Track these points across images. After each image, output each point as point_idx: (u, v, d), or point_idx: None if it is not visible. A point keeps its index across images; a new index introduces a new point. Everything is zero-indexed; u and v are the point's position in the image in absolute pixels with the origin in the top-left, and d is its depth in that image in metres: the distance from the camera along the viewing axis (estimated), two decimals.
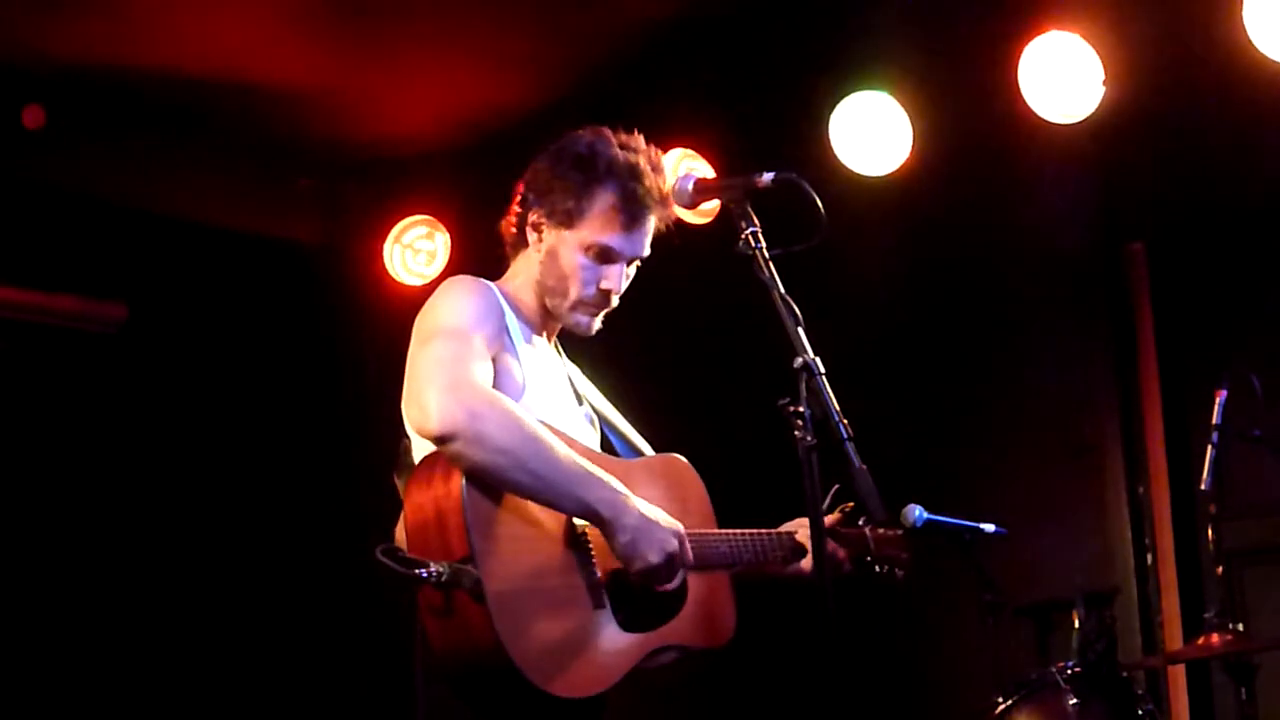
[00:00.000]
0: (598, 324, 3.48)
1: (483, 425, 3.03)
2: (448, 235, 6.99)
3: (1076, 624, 4.75)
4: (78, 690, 6.43)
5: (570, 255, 3.40)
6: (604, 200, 3.39)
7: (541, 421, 3.17)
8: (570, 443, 3.21)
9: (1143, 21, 5.51)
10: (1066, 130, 5.63)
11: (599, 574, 3.21)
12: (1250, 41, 5.21)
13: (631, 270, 3.47)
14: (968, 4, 5.79)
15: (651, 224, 3.46)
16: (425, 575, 2.92)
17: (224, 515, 6.86)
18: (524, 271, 3.47)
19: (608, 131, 3.48)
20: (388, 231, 7.08)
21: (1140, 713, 4.57)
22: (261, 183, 7.14)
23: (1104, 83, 5.50)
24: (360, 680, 6.76)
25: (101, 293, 6.73)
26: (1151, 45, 5.49)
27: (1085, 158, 5.81)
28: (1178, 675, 5.74)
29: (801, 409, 2.98)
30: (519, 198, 3.48)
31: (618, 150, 3.43)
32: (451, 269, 6.54)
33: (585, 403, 3.58)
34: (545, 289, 3.44)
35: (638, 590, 3.24)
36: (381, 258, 7.06)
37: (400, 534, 3.14)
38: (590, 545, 3.22)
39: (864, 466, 2.98)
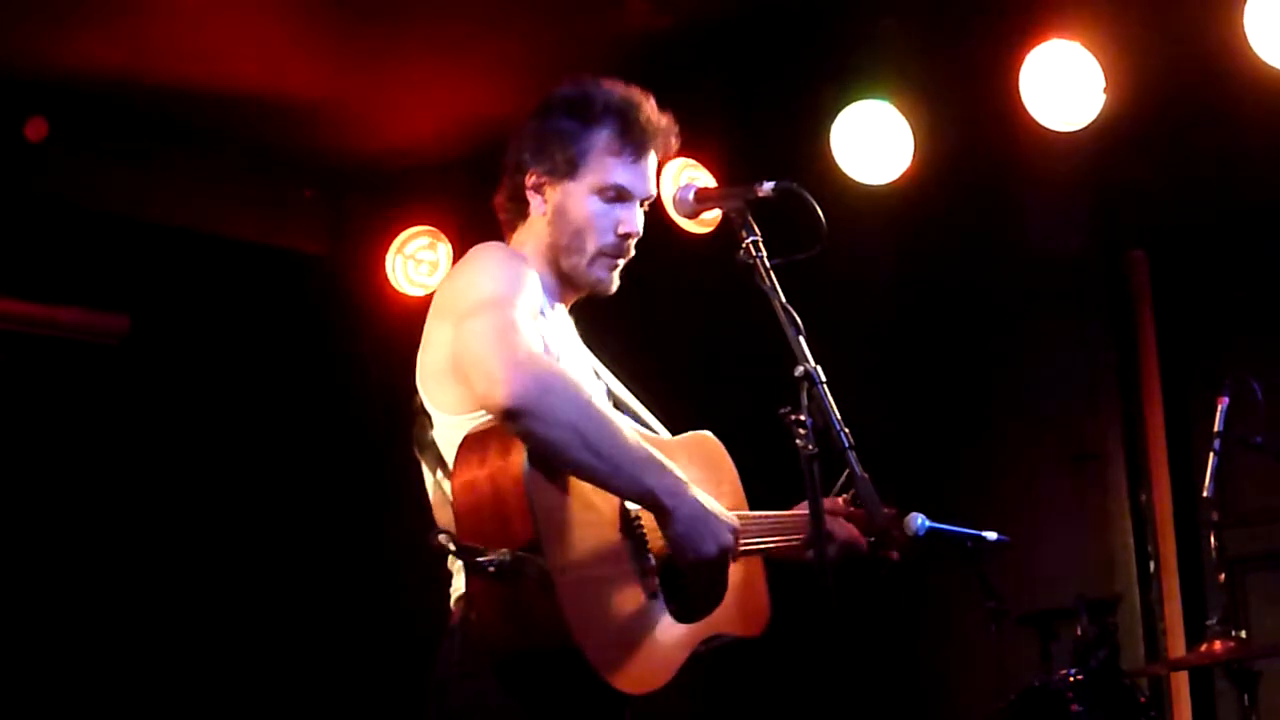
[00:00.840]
0: (616, 279, 3.34)
1: (553, 399, 2.90)
2: (450, 246, 7.00)
3: (1079, 631, 4.75)
4: (87, 696, 6.43)
5: (581, 205, 3.27)
6: (604, 138, 3.28)
7: None
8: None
9: (1143, 29, 5.51)
10: (1067, 138, 5.63)
11: (653, 561, 3.11)
12: (1251, 48, 5.22)
13: (641, 215, 3.34)
14: (968, 12, 5.80)
15: (654, 159, 3.35)
16: (486, 563, 2.81)
17: (227, 526, 6.86)
18: (530, 241, 3.32)
19: (588, 76, 3.37)
20: (390, 242, 7.09)
21: None
22: (264, 193, 7.15)
23: (1105, 90, 5.50)
24: (368, 685, 6.76)
25: (104, 304, 6.74)
26: (1152, 52, 5.50)
27: (1086, 165, 5.81)
28: (1180, 682, 5.74)
29: (803, 417, 2.94)
30: (511, 165, 3.35)
31: (607, 88, 3.33)
32: None
33: (600, 378, 3.45)
34: (559, 250, 3.29)
35: (688, 579, 3.16)
36: (384, 268, 7.06)
37: (443, 513, 3.06)
38: (644, 531, 3.12)
39: (865, 475, 2.97)
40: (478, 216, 3.67)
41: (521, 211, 3.35)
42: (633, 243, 3.32)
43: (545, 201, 3.30)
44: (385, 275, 7.07)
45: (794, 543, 3.46)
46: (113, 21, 5.84)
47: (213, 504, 6.86)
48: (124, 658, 6.55)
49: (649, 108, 3.34)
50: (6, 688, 6.25)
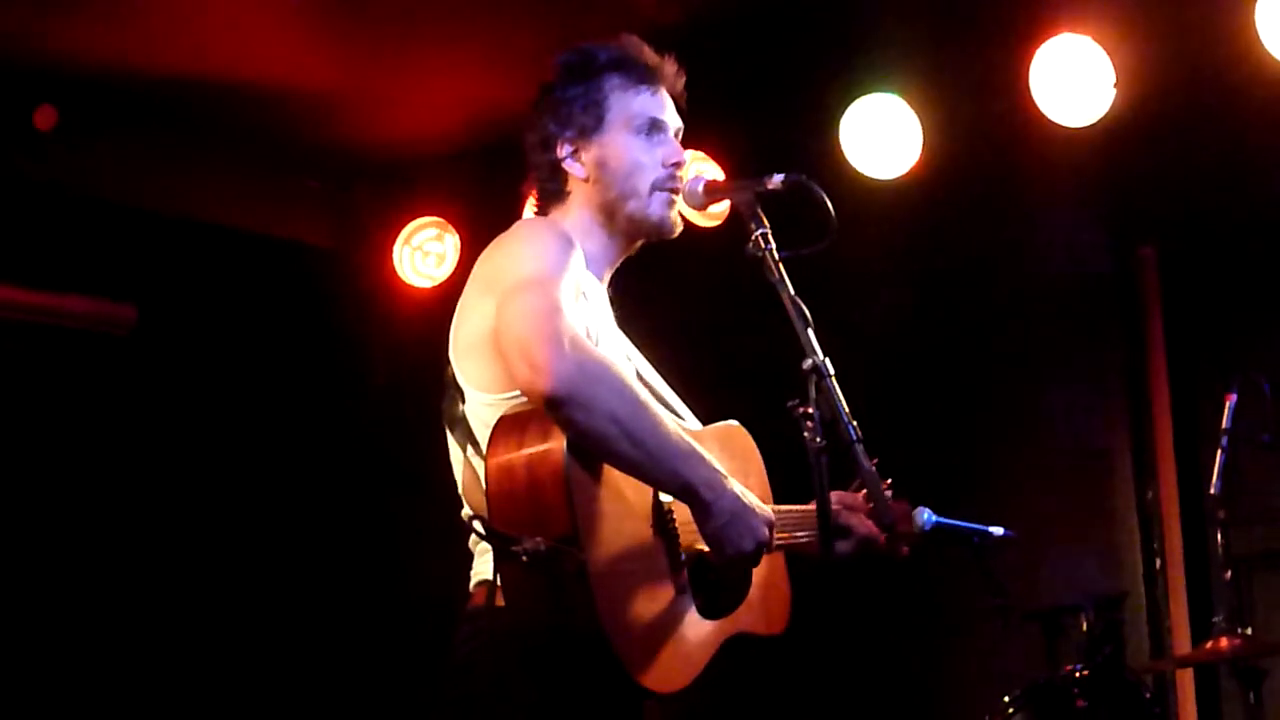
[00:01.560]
0: (678, 219, 3.36)
1: (597, 388, 2.87)
2: (457, 237, 6.97)
3: (1085, 628, 4.75)
4: (95, 689, 6.44)
5: (620, 148, 3.30)
6: (616, 82, 3.33)
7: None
8: None
9: (1155, 24, 5.50)
10: (1077, 134, 5.62)
11: (683, 556, 3.09)
12: (1262, 45, 5.21)
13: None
14: (979, 6, 5.79)
15: (667, 95, 3.39)
16: (520, 552, 2.78)
17: (235, 516, 6.87)
18: (573, 214, 3.32)
19: (577, 43, 3.42)
20: (397, 234, 7.07)
21: (1148, 716, 4.57)
22: (271, 185, 7.16)
23: (1115, 86, 5.49)
24: (380, 670, 6.77)
25: (112, 295, 6.74)
26: (1163, 48, 5.48)
27: (1095, 161, 5.79)
28: (1186, 679, 5.74)
29: (811, 411, 2.92)
30: (537, 145, 3.36)
31: (600, 43, 3.39)
32: (461, 272, 6.55)
33: (631, 361, 3.40)
34: (614, 202, 3.29)
35: (716, 574, 3.13)
36: (391, 260, 7.04)
37: (474, 492, 3.03)
38: (675, 526, 3.10)
39: (873, 469, 2.97)
40: (485, 208, 3.68)
41: (559, 192, 3.35)
42: (682, 172, 3.34)
43: (584, 164, 3.32)
44: (392, 267, 7.05)
45: (813, 538, 3.43)
46: (122, 11, 5.84)
47: (221, 494, 6.86)
48: (133, 648, 6.55)
49: (646, 47, 3.40)
50: (14, 684, 6.26)
